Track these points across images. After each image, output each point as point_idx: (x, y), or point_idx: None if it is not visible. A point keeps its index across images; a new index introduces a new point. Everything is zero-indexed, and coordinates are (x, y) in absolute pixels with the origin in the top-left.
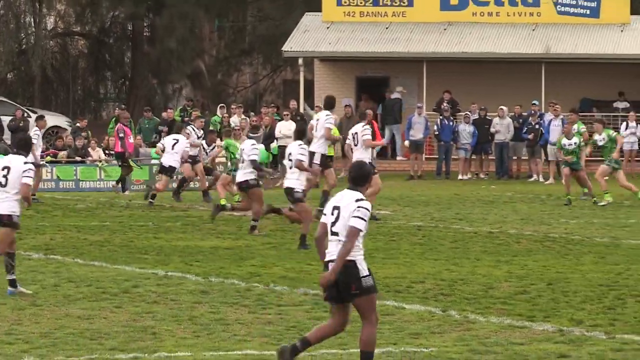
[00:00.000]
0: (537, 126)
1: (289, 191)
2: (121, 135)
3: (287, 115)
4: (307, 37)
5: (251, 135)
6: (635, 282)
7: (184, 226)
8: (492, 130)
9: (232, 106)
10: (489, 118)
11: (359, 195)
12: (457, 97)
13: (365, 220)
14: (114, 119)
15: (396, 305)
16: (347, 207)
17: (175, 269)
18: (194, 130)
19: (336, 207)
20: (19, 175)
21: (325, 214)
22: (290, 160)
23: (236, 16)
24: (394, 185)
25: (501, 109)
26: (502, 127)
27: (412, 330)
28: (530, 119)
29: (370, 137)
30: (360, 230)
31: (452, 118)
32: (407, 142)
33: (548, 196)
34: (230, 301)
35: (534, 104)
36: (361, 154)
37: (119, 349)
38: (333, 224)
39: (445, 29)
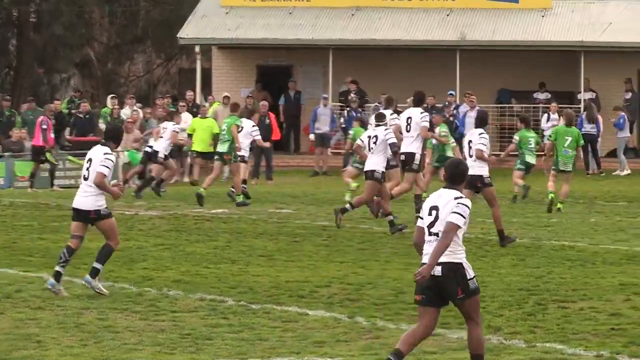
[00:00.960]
0: (451, 118)
1: (478, 178)
2: (44, 126)
3: (184, 107)
4: (205, 22)
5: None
6: (557, 287)
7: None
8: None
9: (128, 98)
10: (400, 110)
11: (458, 193)
12: (365, 87)
13: (464, 217)
14: None
15: (299, 311)
16: (447, 206)
17: None
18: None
19: (434, 208)
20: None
21: (422, 217)
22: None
23: (128, 0)
24: (297, 182)
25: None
26: None
27: (317, 339)
28: (444, 110)
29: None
30: (459, 227)
31: (360, 110)
32: (312, 136)
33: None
34: (120, 307)
35: (451, 94)
36: None
37: (0, 358)
38: (432, 224)
39: (353, 14)
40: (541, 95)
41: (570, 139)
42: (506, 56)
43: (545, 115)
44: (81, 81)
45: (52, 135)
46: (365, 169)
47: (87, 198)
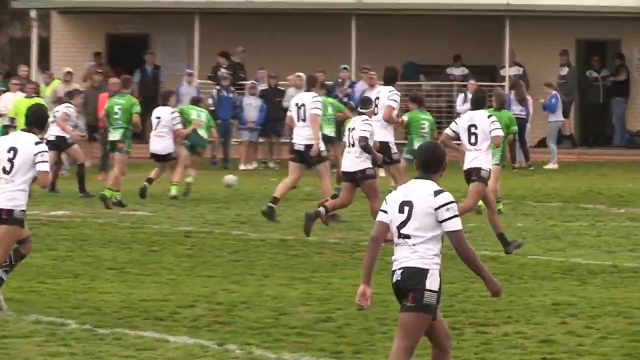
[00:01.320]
0: (346, 98)
1: (475, 171)
2: None
3: (16, 85)
4: None
5: None
6: (475, 307)
7: None
8: (285, 104)
9: None
10: (282, 88)
11: (434, 185)
12: (240, 61)
13: (459, 217)
14: None
15: (157, 337)
16: (422, 202)
17: None
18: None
19: (406, 203)
20: (30, 160)
21: (385, 211)
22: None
23: None
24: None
25: (298, 76)
26: None
27: None
28: (337, 89)
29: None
30: (461, 230)
31: (232, 89)
32: None
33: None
34: None
35: (345, 68)
36: None
37: None
38: (403, 224)
39: None
40: (456, 71)
41: None
42: (413, 23)
43: (462, 95)
44: None
45: None
46: (347, 170)
47: (2, 194)
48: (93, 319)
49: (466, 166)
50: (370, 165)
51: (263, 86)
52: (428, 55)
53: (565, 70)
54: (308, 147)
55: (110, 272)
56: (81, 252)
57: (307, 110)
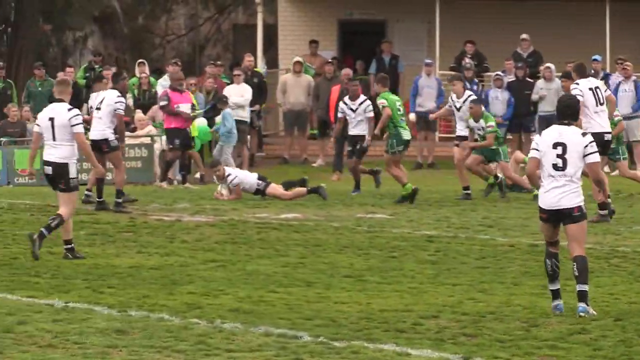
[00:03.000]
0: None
1: None
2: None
3: (240, 75)
4: None
5: None
6: None
7: (90, 236)
8: (534, 97)
9: (170, 64)
10: (531, 80)
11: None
12: (484, 50)
13: None
14: None
15: (398, 350)
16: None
17: (80, 298)
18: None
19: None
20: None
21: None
22: None
23: None
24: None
25: (547, 67)
26: (550, 93)
27: None
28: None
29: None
30: None
31: (477, 80)
32: (412, 115)
33: (616, 193)
34: (159, 345)
35: (595, 60)
36: None
37: None
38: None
39: None
40: None
41: None
42: None
43: None
44: (102, 41)
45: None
46: None
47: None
48: (328, 331)
49: None
50: None
51: (510, 78)
52: None
53: None
54: (609, 134)
55: (346, 280)
56: (315, 258)
57: (601, 93)
